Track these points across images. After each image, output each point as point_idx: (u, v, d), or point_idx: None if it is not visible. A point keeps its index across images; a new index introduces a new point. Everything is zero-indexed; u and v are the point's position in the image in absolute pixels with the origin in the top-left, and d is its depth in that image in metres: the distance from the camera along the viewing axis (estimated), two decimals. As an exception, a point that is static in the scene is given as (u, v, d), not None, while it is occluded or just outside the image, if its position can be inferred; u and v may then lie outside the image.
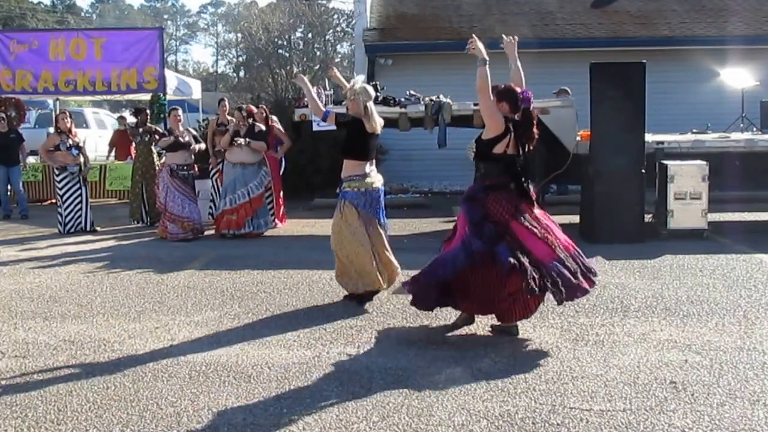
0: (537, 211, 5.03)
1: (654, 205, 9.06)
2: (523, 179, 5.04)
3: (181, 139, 9.67)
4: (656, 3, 16.19)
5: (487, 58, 4.98)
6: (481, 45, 5.00)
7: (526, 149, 5.06)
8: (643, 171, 8.63)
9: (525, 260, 4.77)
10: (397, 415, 3.76)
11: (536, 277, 4.74)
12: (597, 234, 8.63)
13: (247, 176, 9.50)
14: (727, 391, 4.03)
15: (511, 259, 4.74)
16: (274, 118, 10.56)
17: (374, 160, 6.14)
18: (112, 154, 15.07)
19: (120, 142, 14.71)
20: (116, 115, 22.63)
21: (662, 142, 9.32)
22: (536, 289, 4.71)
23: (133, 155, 11.91)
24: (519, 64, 5.25)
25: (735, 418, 3.67)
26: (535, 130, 5.04)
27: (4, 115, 12.65)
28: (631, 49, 14.04)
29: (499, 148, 4.99)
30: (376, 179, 6.06)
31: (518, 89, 5.09)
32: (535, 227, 4.90)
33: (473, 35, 5.10)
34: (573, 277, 4.81)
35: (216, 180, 10.47)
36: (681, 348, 4.77)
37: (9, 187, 12.27)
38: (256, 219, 9.57)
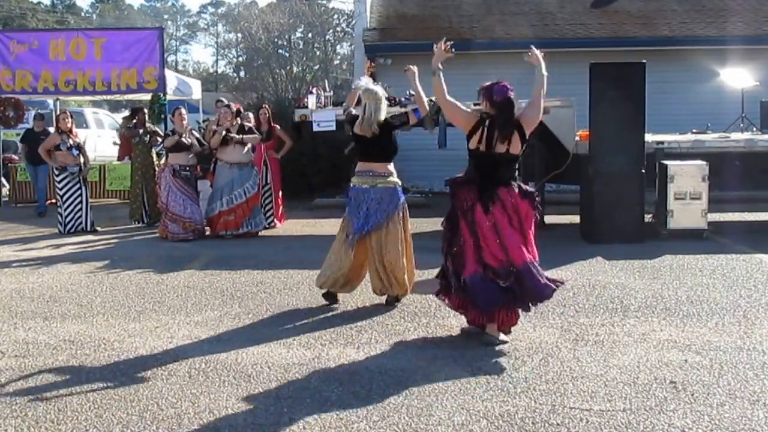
0: (494, 217, 4.87)
1: (654, 205, 9.07)
2: (491, 179, 4.93)
3: (184, 139, 9.67)
4: (656, 3, 16.19)
5: (437, 70, 5.11)
6: (441, 47, 5.16)
7: (502, 145, 4.89)
8: (643, 171, 8.64)
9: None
10: (397, 415, 3.76)
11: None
12: (597, 234, 8.63)
13: (244, 176, 9.53)
14: (727, 391, 4.03)
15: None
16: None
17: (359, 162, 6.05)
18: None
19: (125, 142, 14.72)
20: (116, 115, 22.65)
21: (662, 142, 9.33)
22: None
23: (131, 155, 11.91)
24: (542, 71, 5.07)
25: (735, 418, 3.67)
26: (510, 121, 4.90)
27: (42, 115, 12.72)
28: (631, 49, 14.03)
29: (472, 144, 4.99)
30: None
31: (490, 83, 5.00)
32: (475, 232, 4.89)
33: (441, 43, 5.18)
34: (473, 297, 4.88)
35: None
36: (681, 348, 4.77)
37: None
38: (252, 218, 9.60)
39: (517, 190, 4.94)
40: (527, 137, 5.01)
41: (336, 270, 5.88)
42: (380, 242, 5.82)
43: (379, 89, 5.99)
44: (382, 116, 5.91)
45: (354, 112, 6.18)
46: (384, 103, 5.95)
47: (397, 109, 9.32)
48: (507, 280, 4.79)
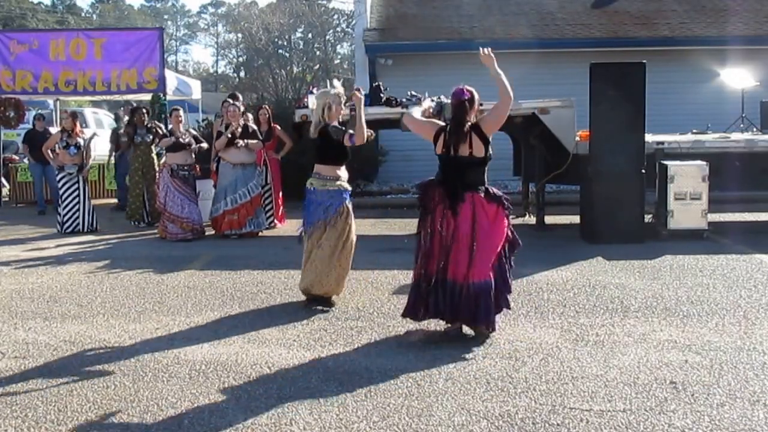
0: (456, 224, 4.94)
1: (654, 205, 9.06)
2: (454, 182, 5.00)
3: (182, 139, 9.68)
4: (656, 3, 16.19)
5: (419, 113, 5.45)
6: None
7: (456, 149, 4.98)
8: (643, 171, 8.63)
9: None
10: (398, 416, 3.76)
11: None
12: (597, 234, 8.63)
13: (247, 176, 9.56)
14: (727, 391, 4.03)
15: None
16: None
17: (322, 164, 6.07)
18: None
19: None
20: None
21: (662, 143, 9.32)
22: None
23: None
24: (499, 75, 5.09)
25: (735, 419, 3.67)
26: (463, 123, 4.99)
27: (43, 115, 12.70)
28: (631, 49, 14.04)
29: (437, 149, 5.11)
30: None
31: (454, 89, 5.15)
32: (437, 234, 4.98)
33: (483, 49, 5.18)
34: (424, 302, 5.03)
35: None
36: (681, 348, 4.77)
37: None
38: (255, 218, 9.62)
39: (483, 194, 4.99)
40: (489, 140, 5.04)
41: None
42: (314, 243, 5.88)
43: (334, 89, 6.03)
44: (329, 116, 5.92)
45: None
46: (334, 103, 5.95)
47: (398, 110, 9.37)
48: (428, 287, 5.00)
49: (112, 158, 13.19)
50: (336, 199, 5.90)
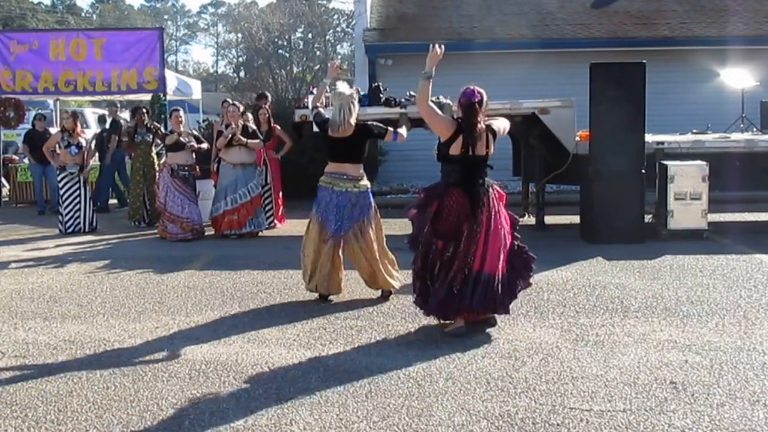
0: (495, 213, 5.08)
1: (654, 205, 9.06)
2: (476, 180, 5.09)
3: (183, 139, 9.69)
4: (656, 3, 16.19)
5: (432, 73, 5.19)
6: (438, 51, 5.22)
7: (474, 148, 5.06)
8: (643, 171, 8.63)
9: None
10: (398, 416, 3.76)
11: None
12: (597, 234, 8.63)
13: (248, 176, 9.57)
14: (727, 391, 4.03)
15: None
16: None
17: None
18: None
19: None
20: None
21: (662, 143, 9.32)
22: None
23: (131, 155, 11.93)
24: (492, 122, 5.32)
25: (735, 419, 3.67)
26: (476, 124, 5.06)
27: (43, 115, 12.69)
28: (631, 49, 14.04)
29: (454, 149, 5.12)
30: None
31: (465, 88, 5.21)
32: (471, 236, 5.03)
33: (436, 45, 5.23)
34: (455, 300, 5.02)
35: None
36: (681, 348, 4.77)
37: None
38: (255, 218, 9.63)
39: (495, 187, 5.22)
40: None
41: (321, 271, 5.99)
42: (353, 247, 5.96)
43: (347, 89, 6.02)
44: (355, 115, 5.93)
45: (325, 114, 6.18)
46: (356, 102, 5.99)
47: (397, 110, 9.37)
48: (461, 285, 5.02)
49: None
50: (367, 199, 6.05)
